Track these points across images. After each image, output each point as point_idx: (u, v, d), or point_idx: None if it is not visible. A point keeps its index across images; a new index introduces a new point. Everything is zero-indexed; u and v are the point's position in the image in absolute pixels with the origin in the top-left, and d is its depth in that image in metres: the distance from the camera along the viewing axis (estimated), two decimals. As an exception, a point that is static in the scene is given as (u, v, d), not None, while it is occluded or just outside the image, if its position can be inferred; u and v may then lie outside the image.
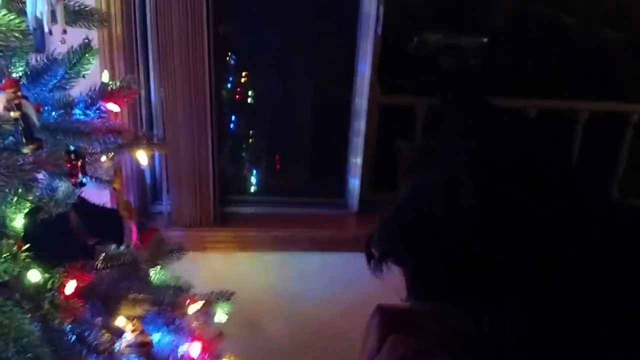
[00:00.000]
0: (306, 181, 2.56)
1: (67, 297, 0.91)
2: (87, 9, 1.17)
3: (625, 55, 3.38)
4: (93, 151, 1.21)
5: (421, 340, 1.02)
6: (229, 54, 2.61)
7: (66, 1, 1.07)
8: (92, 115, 1.12)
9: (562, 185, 0.75)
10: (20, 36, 0.88)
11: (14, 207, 0.95)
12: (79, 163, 1.17)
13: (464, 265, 0.74)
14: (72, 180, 1.15)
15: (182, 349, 1.32)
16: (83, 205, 0.97)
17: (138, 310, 1.02)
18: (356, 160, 2.16)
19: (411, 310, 1.09)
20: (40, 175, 1.06)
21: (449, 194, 0.73)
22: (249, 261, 2.08)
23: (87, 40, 1.16)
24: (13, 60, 0.96)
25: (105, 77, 1.21)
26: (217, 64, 1.92)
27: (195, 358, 1.32)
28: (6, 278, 0.87)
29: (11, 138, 0.98)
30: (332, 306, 2.14)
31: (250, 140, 2.72)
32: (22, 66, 0.99)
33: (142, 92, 1.97)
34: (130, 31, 1.86)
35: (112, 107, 1.11)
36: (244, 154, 2.70)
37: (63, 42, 1.09)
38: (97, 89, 1.16)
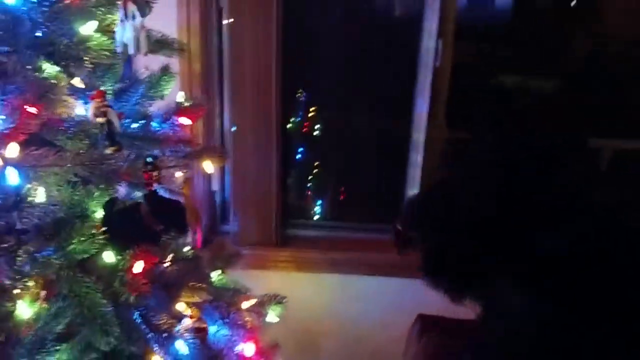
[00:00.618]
0: (367, 210, 2.66)
1: (135, 276, 1.05)
2: (168, 39, 1.35)
3: None
4: (169, 164, 1.38)
5: (450, 339, 1.09)
6: (300, 90, 2.79)
7: (150, 31, 1.25)
8: (167, 127, 1.29)
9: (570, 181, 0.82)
10: (110, 54, 1.06)
11: (95, 201, 1.11)
12: (155, 174, 1.33)
13: (473, 246, 0.82)
14: (148, 189, 1.32)
15: (238, 348, 1.43)
16: (152, 196, 1.11)
17: (196, 298, 1.15)
18: (413, 191, 2.23)
19: (449, 318, 1.17)
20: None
21: (467, 181, 0.83)
22: (307, 282, 2.18)
23: (165, 66, 1.34)
24: (105, 78, 1.14)
25: (180, 97, 1.39)
26: (283, 100, 2.09)
27: (250, 357, 1.43)
28: (85, 256, 1.02)
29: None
30: (387, 330, 2.19)
31: (315, 170, 2.86)
32: (112, 83, 1.17)
33: (217, 123, 2.17)
34: (208, 67, 2.06)
35: (184, 120, 1.28)
36: (308, 183, 2.84)
37: (147, 68, 1.29)
38: (170, 107, 1.34)
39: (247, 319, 1.33)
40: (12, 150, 0.93)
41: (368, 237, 2.27)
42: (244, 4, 1.94)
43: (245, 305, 1.37)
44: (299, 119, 2.87)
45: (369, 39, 2.76)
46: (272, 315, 1.45)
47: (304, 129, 2.88)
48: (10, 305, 1.04)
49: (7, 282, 1.03)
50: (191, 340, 1.14)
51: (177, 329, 1.15)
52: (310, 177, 2.87)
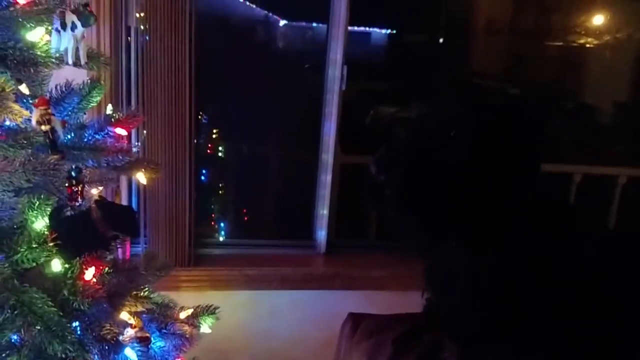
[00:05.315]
0: (275, 229, 2.73)
1: (87, 283, 1.04)
2: (94, 52, 1.36)
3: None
4: (91, 178, 1.36)
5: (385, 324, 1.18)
6: (201, 113, 2.83)
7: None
8: (100, 138, 1.28)
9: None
10: (56, 61, 1.06)
11: (35, 211, 1.08)
12: (79, 188, 1.32)
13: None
14: (72, 203, 1.30)
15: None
16: (103, 202, 1.11)
17: (139, 307, 1.15)
18: (323, 211, 2.34)
19: (379, 314, 1.27)
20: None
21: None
22: (220, 299, 2.18)
23: (96, 78, 1.34)
24: (44, 86, 1.13)
25: (109, 109, 1.39)
26: (196, 119, 2.12)
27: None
28: (33, 265, 1.00)
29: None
30: (301, 343, 2.25)
31: (220, 191, 2.89)
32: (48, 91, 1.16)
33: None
34: (116, 85, 2.04)
35: (120, 131, 1.28)
36: (212, 204, 2.86)
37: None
38: (102, 118, 1.33)
39: (185, 328, 1.34)
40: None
41: (279, 252, 2.33)
42: (157, 23, 1.96)
43: (183, 315, 1.38)
44: (202, 140, 2.89)
45: (272, 68, 2.87)
46: (205, 326, 1.46)
47: (208, 151, 2.90)
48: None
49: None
50: (138, 348, 1.13)
51: (120, 338, 1.14)
52: (214, 199, 2.89)
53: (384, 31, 4.54)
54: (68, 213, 1.06)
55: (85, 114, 1.31)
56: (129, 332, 1.16)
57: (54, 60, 1.06)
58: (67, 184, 1.27)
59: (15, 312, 0.96)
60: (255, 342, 2.24)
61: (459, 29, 4.28)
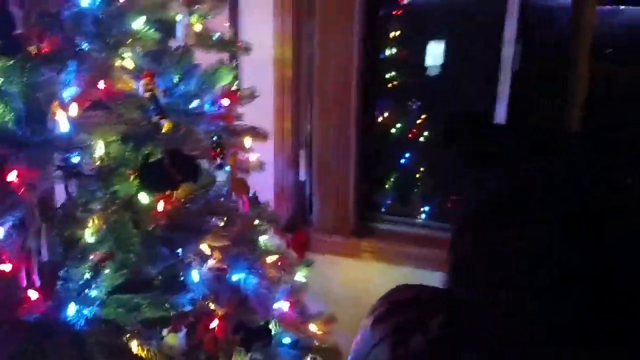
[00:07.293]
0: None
1: (156, 212, 1.35)
2: (230, 38, 1.67)
3: None
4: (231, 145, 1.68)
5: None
6: (413, 99, 2.96)
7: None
8: (216, 109, 1.59)
9: None
10: (155, 44, 1.38)
11: (133, 155, 1.40)
12: (219, 151, 1.65)
13: None
14: (214, 162, 1.64)
15: (277, 305, 1.66)
16: (173, 152, 1.39)
17: (219, 242, 1.41)
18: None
19: None
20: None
21: None
22: (381, 271, 2.31)
23: (220, 60, 1.65)
24: (163, 63, 1.47)
25: (235, 86, 1.69)
26: (363, 102, 2.31)
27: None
28: (122, 196, 1.34)
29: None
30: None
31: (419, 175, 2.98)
32: (170, 68, 1.50)
33: (306, 124, 2.40)
34: (300, 73, 2.33)
35: (225, 101, 1.57)
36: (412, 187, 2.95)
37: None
38: (219, 92, 1.63)
39: (271, 270, 1.55)
40: (74, 109, 1.27)
41: (442, 235, 2.35)
42: (329, 16, 2.20)
43: (269, 259, 1.59)
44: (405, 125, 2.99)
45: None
46: (300, 275, 1.64)
47: (410, 136, 3.01)
48: (80, 232, 1.38)
49: (79, 214, 1.38)
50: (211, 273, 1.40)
51: (202, 265, 1.42)
52: (411, 181, 2.98)
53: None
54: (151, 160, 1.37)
55: (213, 88, 1.62)
56: (210, 262, 1.43)
57: (152, 43, 1.38)
58: (211, 147, 1.62)
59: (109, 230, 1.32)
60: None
61: None
